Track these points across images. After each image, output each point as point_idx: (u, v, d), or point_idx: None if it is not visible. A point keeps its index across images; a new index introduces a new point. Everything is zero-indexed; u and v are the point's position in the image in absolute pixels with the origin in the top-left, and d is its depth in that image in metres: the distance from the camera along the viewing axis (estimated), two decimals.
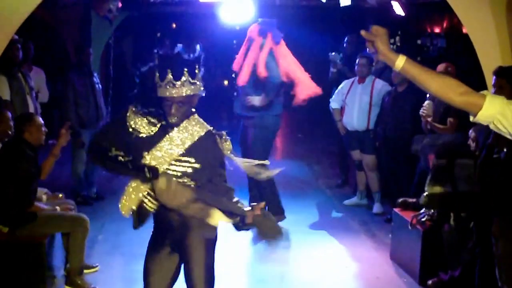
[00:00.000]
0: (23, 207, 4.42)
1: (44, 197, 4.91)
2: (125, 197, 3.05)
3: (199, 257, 3.05)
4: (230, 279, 4.85)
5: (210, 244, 3.12)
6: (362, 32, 2.40)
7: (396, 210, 5.34)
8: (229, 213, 3.00)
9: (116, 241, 5.59)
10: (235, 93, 6.37)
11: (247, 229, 3.08)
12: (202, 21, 11.88)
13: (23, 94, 5.76)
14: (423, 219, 4.80)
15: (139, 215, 3.07)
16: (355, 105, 6.61)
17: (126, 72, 13.34)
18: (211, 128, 3.09)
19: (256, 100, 6.00)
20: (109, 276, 4.85)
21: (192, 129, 3.02)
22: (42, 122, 4.65)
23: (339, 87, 6.85)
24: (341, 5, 7.28)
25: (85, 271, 4.72)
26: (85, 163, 6.81)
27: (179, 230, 3.06)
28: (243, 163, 3.12)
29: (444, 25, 11.12)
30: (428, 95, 5.42)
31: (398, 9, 7.78)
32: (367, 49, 2.40)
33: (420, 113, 5.47)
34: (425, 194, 4.60)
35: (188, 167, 2.97)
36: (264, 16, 6.26)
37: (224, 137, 3.06)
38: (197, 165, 2.98)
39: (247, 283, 5.00)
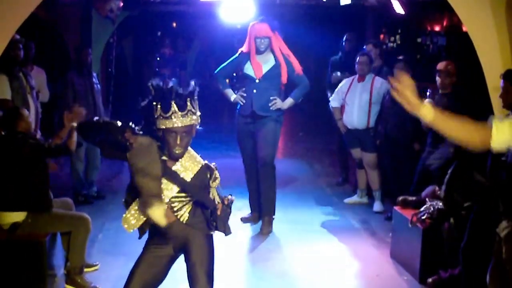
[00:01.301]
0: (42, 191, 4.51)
1: None
2: (130, 213, 3.12)
3: (201, 251, 3.15)
4: (230, 278, 4.86)
5: (210, 239, 3.22)
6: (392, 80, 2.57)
7: (397, 208, 5.34)
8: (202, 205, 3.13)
9: (116, 240, 5.59)
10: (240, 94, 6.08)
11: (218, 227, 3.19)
12: (203, 20, 11.89)
13: (24, 94, 5.76)
14: (423, 217, 4.80)
15: (142, 225, 3.16)
16: (355, 103, 6.61)
17: (126, 71, 13.39)
18: (204, 163, 3.15)
19: (286, 104, 5.96)
20: (110, 275, 4.85)
21: (188, 166, 3.09)
22: (27, 112, 4.72)
23: (339, 85, 6.85)
24: (341, 4, 7.27)
25: (85, 269, 4.72)
26: (84, 163, 6.82)
27: (180, 236, 3.16)
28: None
29: (444, 23, 11.11)
30: (428, 94, 5.41)
31: (398, 8, 7.76)
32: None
33: None
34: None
35: (183, 201, 3.09)
36: (264, 15, 6.22)
37: (214, 174, 3.14)
38: (191, 198, 3.10)
39: (247, 282, 5.00)
